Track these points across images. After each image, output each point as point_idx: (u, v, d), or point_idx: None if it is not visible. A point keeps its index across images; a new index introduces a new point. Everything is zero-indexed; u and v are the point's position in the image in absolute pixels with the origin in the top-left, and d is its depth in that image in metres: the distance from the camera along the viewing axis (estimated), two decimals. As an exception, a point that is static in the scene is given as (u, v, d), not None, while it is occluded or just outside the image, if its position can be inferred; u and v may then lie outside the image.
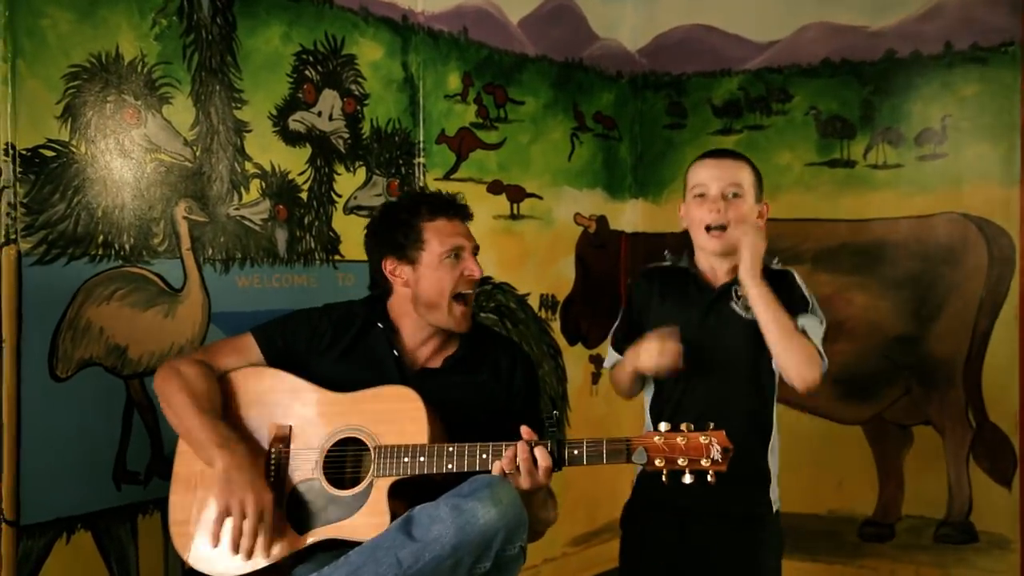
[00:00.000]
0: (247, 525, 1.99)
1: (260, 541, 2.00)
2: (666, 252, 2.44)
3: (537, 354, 3.65)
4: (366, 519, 2.02)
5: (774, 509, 2.34)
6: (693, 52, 3.94)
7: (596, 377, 3.92)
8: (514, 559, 1.92)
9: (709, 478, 1.90)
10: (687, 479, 1.90)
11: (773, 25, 3.78)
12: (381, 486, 2.03)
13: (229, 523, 2.01)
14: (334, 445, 2.12)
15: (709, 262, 2.34)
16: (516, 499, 1.89)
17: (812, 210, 3.72)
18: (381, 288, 2.29)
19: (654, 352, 2.22)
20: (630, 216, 4.06)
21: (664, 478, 1.93)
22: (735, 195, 2.26)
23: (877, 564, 3.61)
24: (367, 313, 2.28)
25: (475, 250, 2.26)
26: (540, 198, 3.68)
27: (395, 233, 2.24)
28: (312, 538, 2.04)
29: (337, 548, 2.01)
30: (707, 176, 2.29)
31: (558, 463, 1.97)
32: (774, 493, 2.34)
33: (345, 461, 2.12)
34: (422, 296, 2.21)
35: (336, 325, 2.27)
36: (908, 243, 3.57)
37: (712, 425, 1.93)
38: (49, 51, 2.31)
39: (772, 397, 2.33)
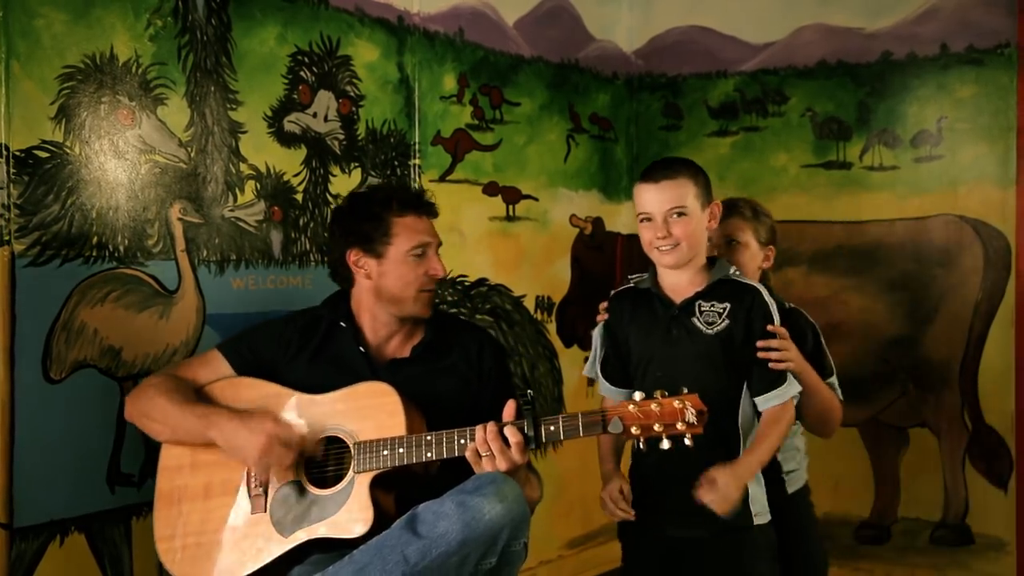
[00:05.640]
0: (281, 462, 2.04)
1: (291, 458, 2.06)
2: (629, 276, 2.46)
3: (533, 356, 3.65)
4: (349, 515, 2.03)
5: (755, 523, 2.28)
6: (689, 53, 3.94)
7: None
8: (518, 554, 1.94)
9: (687, 441, 1.92)
10: (665, 445, 1.93)
11: (769, 27, 3.78)
12: (362, 481, 2.04)
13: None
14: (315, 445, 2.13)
15: (671, 279, 2.34)
16: (520, 495, 1.90)
17: (808, 212, 3.72)
18: (342, 279, 2.32)
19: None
20: (626, 218, 4.05)
21: (641, 445, 1.95)
22: (679, 215, 2.26)
23: (873, 567, 3.61)
24: (330, 314, 2.30)
25: (439, 247, 2.29)
26: (536, 200, 3.68)
27: (363, 225, 2.24)
28: (296, 539, 2.05)
29: (334, 548, 2.02)
30: (648, 201, 2.29)
31: (536, 441, 1.97)
32: (755, 506, 2.29)
33: (328, 461, 2.12)
34: (386, 290, 2.23)
35: (302, 331, 2.29)
36: (904, 245, 3.57)
37: (685, 389, 1.94)
38: (43, 52, 2.30)
39: (737, 409, 2.30)
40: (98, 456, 2.42)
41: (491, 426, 1.97)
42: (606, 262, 4.01)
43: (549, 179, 3.74)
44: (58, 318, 2.34)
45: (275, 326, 2.32)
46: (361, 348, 2.25)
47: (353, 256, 2.25)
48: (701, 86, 3.93)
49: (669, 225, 2.26)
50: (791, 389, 2.28)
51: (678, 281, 2.33)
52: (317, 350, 2.27)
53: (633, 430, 1.93)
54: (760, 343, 2.26)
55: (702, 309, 2.29)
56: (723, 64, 3.88)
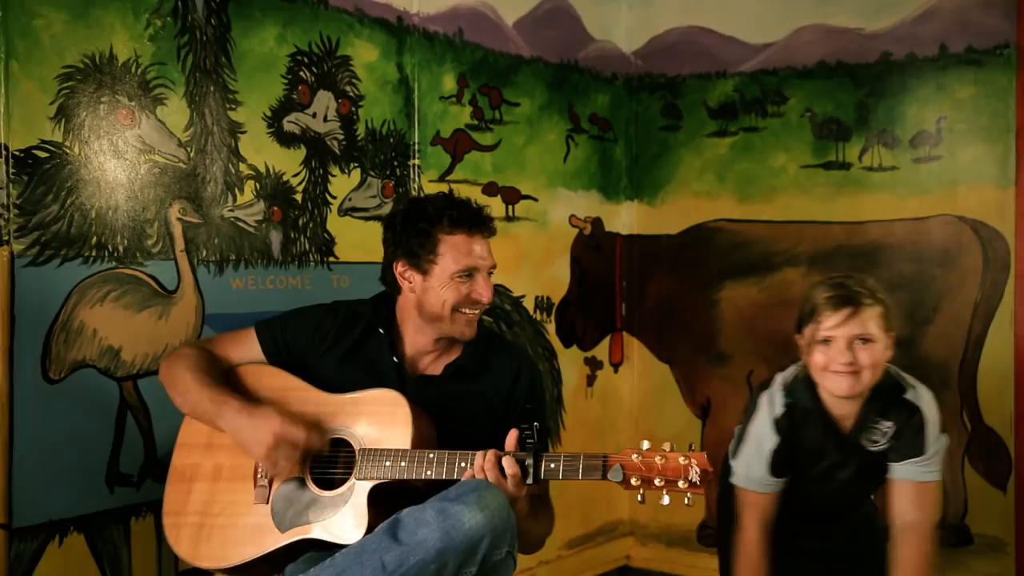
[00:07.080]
0: (287, 460, 2.04)
1: (297, 456, 2.05)
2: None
3: (532, 356, 3.65)
4: (344, 520, 2.03)
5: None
6: (688, 54, 3.94)
7: (591, 380, 3.92)
8: (502, 564, 1.90)
9: (687, 501, 1.87)
10: (665, 500, 1.87)
11: (768, 27, 3.78)
12: (362, 488, 2.04)
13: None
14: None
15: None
16: (504, 504, 1.87)
17: (807, 212, 3.72)
18: (389, 286, 2.25)
19: None
20: (625, 218, 4.06)
21: (640, 498, 1.90)
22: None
23: (872, 566, 3.61)
24: (372, 316, 2.25)
25: (491, 271, 2.19)
26: (535, 200, 3.68)
27: (411, 238, 2.16)
28: (292, 536, 2.06)
29: (330, 548, 2.01)
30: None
31: (535, 476, 1.94)
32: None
33: (336, 462, 2.12)
34: (426, 307, 2.17)
35: (340, 326, 2.25)
36: (903, 245, 3.57)
37: (692, 445, 1.90)
38: (43, 52, 2.31)
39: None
40: (97, 456, 2.42)
41: (490, 454, 1.94)
42: (605, 262, 4.01)
43: (548, 179, 3.74)
44: (57, 318, 2.34)
45: (314, 317, 2.27)
46: (395, 358, 2.21)
47: (400, 267, 2.18)
48: (700, 86, 3.93)
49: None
50: None
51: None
52: (351, 350, 2.23)
53: (633, 481, 1.87)
54: None
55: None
56: (722, 64, 3.88)
